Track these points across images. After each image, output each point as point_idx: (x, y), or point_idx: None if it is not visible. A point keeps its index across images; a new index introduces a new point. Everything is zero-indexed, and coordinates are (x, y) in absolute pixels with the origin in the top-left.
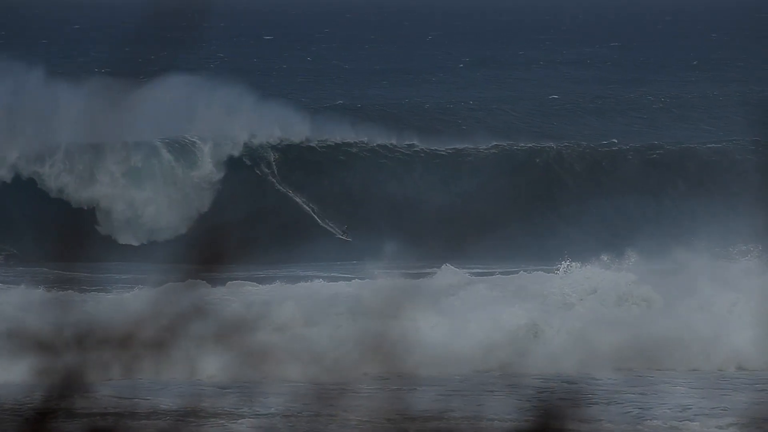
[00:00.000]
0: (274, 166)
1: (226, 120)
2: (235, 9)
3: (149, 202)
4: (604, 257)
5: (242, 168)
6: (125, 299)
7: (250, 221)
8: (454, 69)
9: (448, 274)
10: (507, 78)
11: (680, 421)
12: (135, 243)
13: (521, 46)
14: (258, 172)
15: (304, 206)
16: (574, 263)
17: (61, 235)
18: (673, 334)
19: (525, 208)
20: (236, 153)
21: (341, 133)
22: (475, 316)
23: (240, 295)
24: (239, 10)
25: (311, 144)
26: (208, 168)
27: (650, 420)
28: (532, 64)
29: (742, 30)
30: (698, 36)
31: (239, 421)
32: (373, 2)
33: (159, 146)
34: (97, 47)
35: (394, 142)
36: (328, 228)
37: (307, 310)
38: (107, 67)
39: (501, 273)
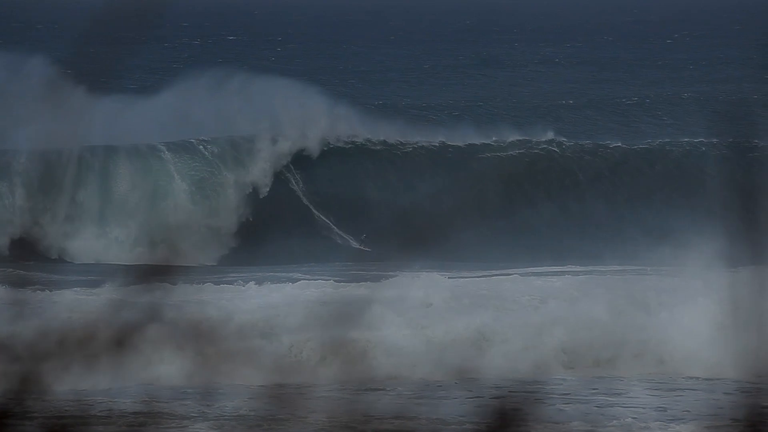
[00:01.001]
0: (295, 173)
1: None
2: (197, 9)
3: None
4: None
5: (256, 170)
6: (84, 300)
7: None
8: (421, 69)
9: (409, 279)
10: (476, 78)
11: (650, 422)
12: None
13: (486, 46)
14: (273, 172)
15: (318, 214)
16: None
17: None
18: (632, 337)
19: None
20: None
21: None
22: (435, 319)
23: (203, 297)
24: (201, 10)
25: (330, 144)
26: (231, 196)
27: (617, 419)
28: (499, 64)
29: (703, 31)
30: (661, 36)
31: (197, 424)
32: (337, 3)
33: (171, 171)
34: (64, 48)
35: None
36: (345, 236)
37: (270, 312)
38: (70, 67)
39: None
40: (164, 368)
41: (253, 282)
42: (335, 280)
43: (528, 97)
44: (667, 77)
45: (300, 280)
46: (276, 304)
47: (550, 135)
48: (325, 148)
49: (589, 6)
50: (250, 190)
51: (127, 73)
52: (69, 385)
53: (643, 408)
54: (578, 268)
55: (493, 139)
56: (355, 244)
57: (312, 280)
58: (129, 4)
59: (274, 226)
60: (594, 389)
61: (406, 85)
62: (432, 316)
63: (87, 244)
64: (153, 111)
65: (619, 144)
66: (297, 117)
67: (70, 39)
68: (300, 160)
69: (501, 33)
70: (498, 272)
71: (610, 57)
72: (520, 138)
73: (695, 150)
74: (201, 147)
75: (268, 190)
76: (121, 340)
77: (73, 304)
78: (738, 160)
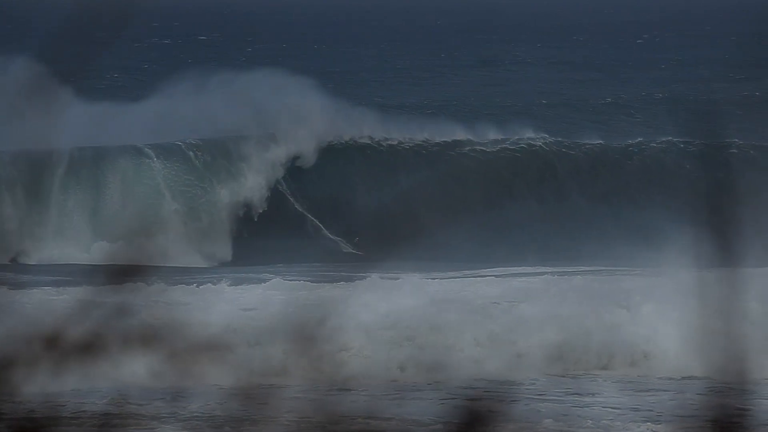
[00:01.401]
0: (285, 172)
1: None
2: (167, 9)
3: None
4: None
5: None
6: (54, 300)
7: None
8: (396, 70)
9: (389, 281)
10: (450, 78)
11: (626, 422)
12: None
13: (460, 47)
14: (264, 175)
15: (311, 217)
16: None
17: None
18: (607, 338)
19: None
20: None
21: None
22: (414, 321)
23: (176, 297)
24: (171, 10)
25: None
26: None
27: (591, 420)
28: (475, 64)
29: (675, 31)
30: (631, 37)
31: (169, 424)
32: (309, 1)
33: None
34: (35, 47)
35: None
36: (337, 240)
37: (243, 313)
38: (44, 67)
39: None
40: (135, 369)
41: (226, 282)
42: (309, 281)
43: (503, 96)
44: (640, 77)
45: (272, 279)
46: (251, 305)
47: (532, 134)
48: (319, 148)
49: (562, 7)
50: (238, 190)
51: (97, 72)
52: (38, 386)
53: (618, 408)
54: (557, 269)
55: (488, 139)
56: (341, 243)
57: (288, 280)
58: (100, 4)
59: (260, 226)
60: (568, 389)
61: (380, 84)
62: (412, 317)
63: (58, 244)
64: (142, 111)
65: (600, 141)
66: (289, 117)
67: (40, 38)
68: (291, 160)
69: (474, 33)
70: (478, 273)
71: (583, 57)
72: (512, 137)
73: (672, 148)
74: (191, 153)
75: (256, 191)
76: (91, 341)
77: (42, 303)
78: (711, 159)
